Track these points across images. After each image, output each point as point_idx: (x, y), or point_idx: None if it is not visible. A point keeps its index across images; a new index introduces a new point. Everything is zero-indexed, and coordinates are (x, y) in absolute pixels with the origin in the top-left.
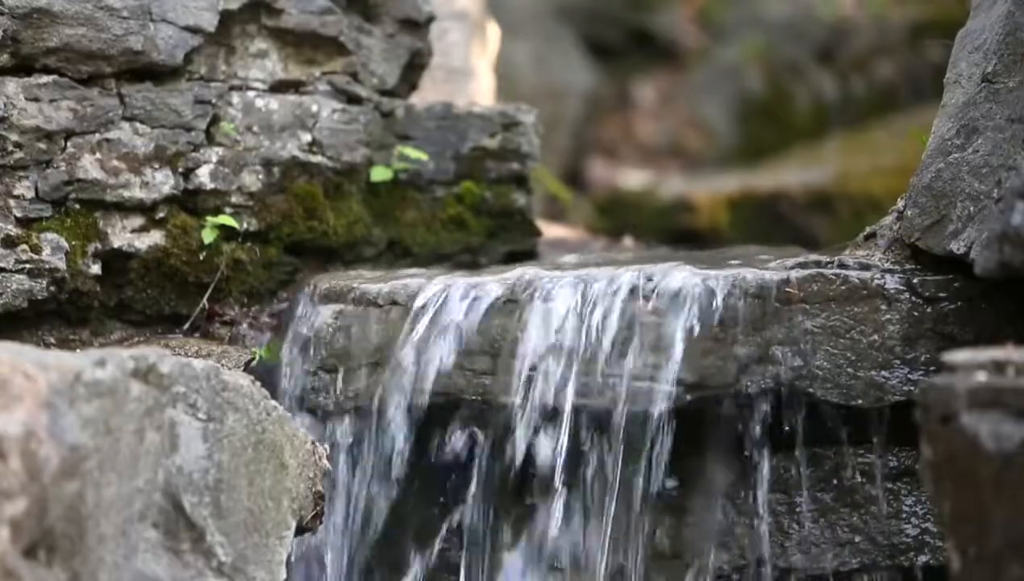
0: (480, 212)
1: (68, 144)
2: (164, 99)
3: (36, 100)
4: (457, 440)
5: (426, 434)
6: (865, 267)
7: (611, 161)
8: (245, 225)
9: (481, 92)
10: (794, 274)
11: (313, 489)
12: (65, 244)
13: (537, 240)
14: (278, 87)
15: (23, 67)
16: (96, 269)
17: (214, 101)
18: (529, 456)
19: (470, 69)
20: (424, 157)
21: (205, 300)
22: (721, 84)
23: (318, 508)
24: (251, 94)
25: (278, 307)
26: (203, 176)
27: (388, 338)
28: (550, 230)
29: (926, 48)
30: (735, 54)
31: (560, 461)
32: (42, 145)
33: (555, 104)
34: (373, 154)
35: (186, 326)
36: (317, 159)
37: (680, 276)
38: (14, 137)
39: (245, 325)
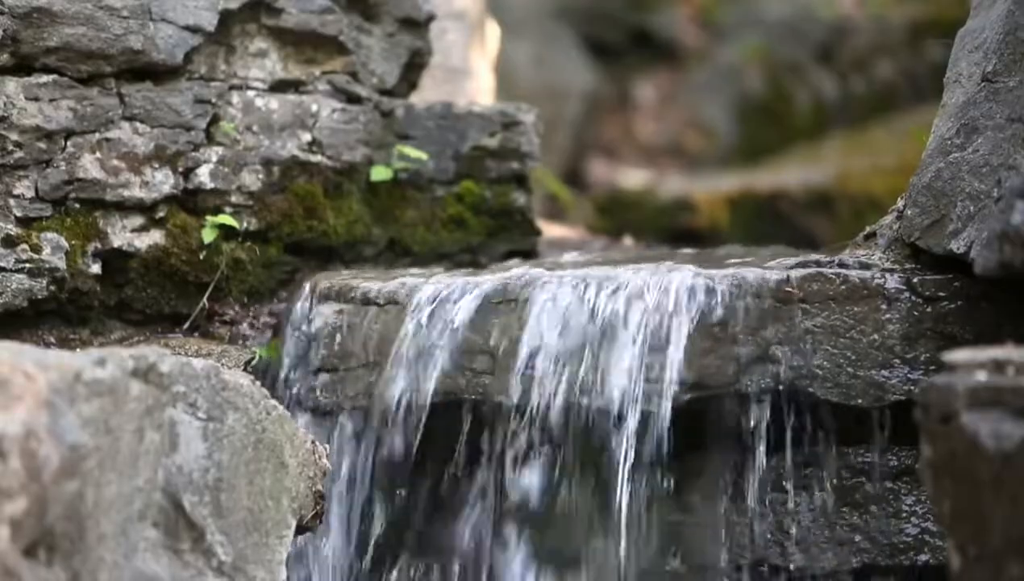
0: (480, 211)
1: (68, 144)
2: (164, 99)
3: (36, 99)
4: (457, 439)
5: (426, 434)
6: (865, 266)
7: (611, 161)
8: (245, 224)
9: (481, 92)
10: (794, 274)
11: (313, 488)
12: (65, 243)
13: (537, 239)
14: (278, 86)
15: (23, 67)
16: (96, 268)
17: (214, 101)
18: (528, 456)
19: (470, 69)
20: (424, 157)
21: (205, 299)
22: (721, 84)
23: (318, 507)
24: (251, 93)
25: (278, 306)
26: (203, 176)
27: (388, 337)
28: (550, 230)
29: (926, 48)
30: (735, 54)
31: (559, 461)
32: (42, 145)
33: (555, 104)
34: (373, 153)
35: (186, 325)
36: (317, 158)
37: (680, 275)
38: (14, 137)
39: (245, 324)
